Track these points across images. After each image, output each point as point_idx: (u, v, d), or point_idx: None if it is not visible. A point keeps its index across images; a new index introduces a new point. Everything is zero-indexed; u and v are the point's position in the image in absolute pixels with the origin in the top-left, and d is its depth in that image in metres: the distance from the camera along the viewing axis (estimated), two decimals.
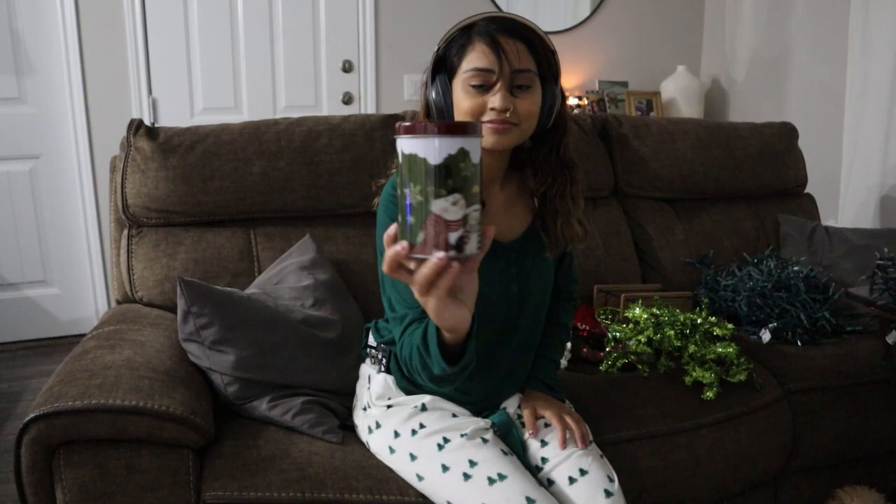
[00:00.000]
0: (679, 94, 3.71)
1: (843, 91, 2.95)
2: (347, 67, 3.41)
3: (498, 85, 1.15)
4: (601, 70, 3.82)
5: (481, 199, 0.75)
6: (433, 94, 1.20)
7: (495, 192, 1.29)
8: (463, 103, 1.17)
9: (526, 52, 1.16)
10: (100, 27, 3.03)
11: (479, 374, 1.31)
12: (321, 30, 3.36)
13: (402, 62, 3.42)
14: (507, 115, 1.15)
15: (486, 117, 1.16)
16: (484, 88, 1.16)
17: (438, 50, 1.21)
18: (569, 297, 1.51)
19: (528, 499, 1.17)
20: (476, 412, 1.35)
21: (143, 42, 3.10)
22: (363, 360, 1.46)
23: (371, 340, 1.43)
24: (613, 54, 3.82)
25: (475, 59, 1.15)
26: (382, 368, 1.38)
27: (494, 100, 1.14)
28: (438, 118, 1.21)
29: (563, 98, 1.25)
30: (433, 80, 1.20)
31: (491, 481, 1.19)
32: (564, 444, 1.29)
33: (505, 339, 1.33)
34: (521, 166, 1.32)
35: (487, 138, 1.17)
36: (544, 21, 3.68)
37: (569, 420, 1.32)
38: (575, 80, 3.77)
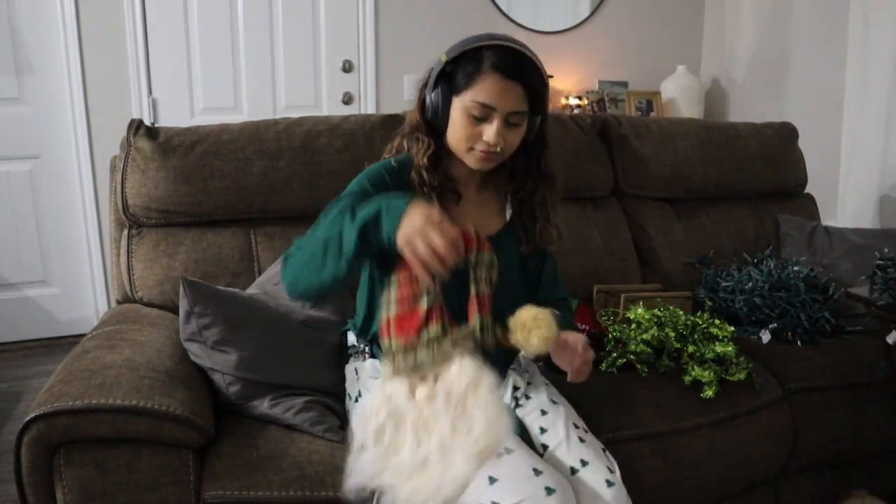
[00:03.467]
0: (679, 94, 3.71)
1: (842, 91, 2.95)
2: (347, 67, 3.41)
3: (495, 122, 1.26)
4: (601, 70, 3.82)
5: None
6: (432, 98, 1.31)
7: (472, 192, 1.40)
8: (459, 129, 1.29)
9: (523, 95, 1.27)
10: (100, 27, 3.03)
11: None
12: (321, 30, 3.36)
13: (402, 62, 3.42)
14: (498, 148, 1.28)
15: (477, 146, 1.29)
16: (480, 120, 1.27)
17: (448, 62, 1.29)
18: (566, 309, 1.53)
19: (535, 470, 1.19)
20: None
21: (143, 42, 3.10)
22: (346, 362, 1.50)
23: (350, 341, 1.48)
24: (613, 54, 3.82)
25: (481, 92, 1.25)
26: (368, 356, 1.43)
27: (489, 133, 1.26)
28: (432, 118, 1.32)
29: (545, 119, 1.37)
30: (436, 84, 1.30)
31: (497, 455, 1.20)
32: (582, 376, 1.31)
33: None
34: (495, 171, 1.41)
35: (474, 162, 1.31)
36: (544, 21, 3.68)
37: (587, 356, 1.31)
38: (575, 80, 3.77)
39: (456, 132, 1.29)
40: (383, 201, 1.13)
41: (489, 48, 1.26)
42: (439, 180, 1.33)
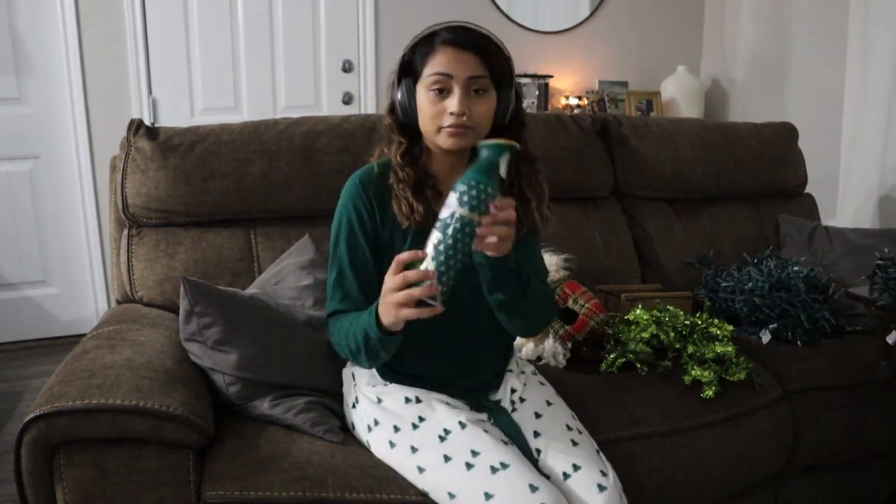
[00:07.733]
0: (679, 94, 3.71)
1: (842, 91, 2.95)
2: (347, 67, 3.41)
3: (455, 89, 1.26)
4: (601, 70, 3.82)
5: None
6: (398, 95, 1.33)
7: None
8: (426, 108, 1.29)
9: (478, 61, 1.27)
10: (100, 27, 3.03)
11: (454, 350, 1.37)
12: (321, 30, 3.36)
13: None
14: (465, 119, 1.26)
15: (445, 122, 1.27)
16: (443, 93, 1.27)
17: (405, 55, 1.33)
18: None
19: (531, 486, 1.18)
20: (469, 404, 1.37)
21: (143, 42, 3.10)
22: (343, 366, 1.50)
23: None
24: (613, 54, 3.83)
25: (436, 64, 1.27)
26: None
27: (452, 103, 1.26)
28: (402, 116, 1.34)
29: (519, 99, 1.37)
30: (399, 82, 1.33)
31: (494, 470, 1.21)
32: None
33: (468, 314, 1.36)
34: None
35: (446, 140, 1.29)
36: (544, 21, 3.68)
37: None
38: (575, 80, 3.77)
39: (424, 115, 1.30)
40: (356, 322, 1.26)
41: (441, 29, 1.30)
42: (417, 177, 1.33)
